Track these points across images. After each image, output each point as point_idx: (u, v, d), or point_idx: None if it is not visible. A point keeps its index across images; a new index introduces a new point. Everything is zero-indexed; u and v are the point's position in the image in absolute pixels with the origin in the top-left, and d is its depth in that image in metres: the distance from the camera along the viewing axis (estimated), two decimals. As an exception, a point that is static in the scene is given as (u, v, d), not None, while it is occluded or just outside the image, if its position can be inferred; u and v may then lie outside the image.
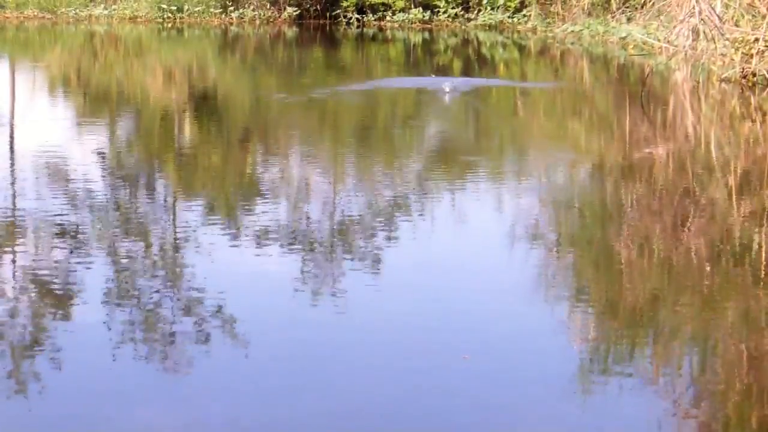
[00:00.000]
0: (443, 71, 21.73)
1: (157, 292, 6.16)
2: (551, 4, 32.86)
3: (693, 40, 19.57)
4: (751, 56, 17.25)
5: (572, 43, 28.66)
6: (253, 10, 34.80)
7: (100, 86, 19.19)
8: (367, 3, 35.09)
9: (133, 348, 5.24)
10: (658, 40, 22.59)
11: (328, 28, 34.01)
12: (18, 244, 7.25)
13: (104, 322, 5.58)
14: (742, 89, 16.83)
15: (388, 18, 35.07)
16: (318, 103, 15.76)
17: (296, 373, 4.97)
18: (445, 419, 4.49)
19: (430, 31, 33.52)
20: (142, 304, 5.91)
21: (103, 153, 11.30)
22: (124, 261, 6.80)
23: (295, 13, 34.86)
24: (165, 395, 4.72)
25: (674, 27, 20.89)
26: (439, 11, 34.77)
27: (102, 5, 35.08)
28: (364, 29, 33.84)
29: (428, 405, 4.64)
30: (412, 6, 34.98)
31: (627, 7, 28.89)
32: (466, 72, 22.01)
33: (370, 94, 17.10)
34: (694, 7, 19.06)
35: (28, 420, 4.47)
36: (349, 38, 31.31)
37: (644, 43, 23.92)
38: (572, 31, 30.24)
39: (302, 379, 4.90)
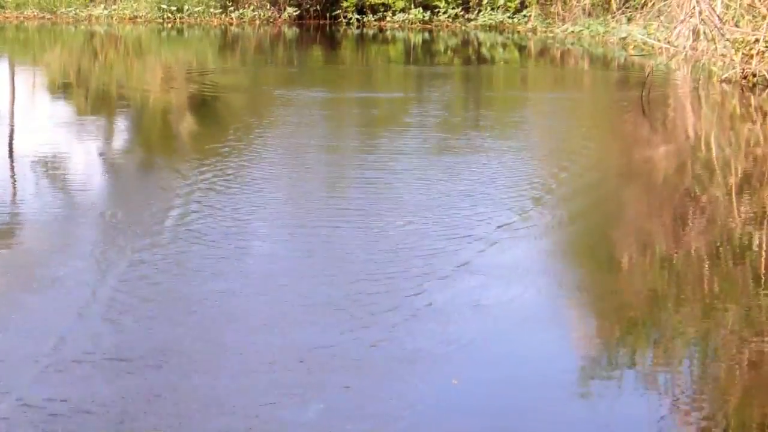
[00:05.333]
0: (443, 65, 21.67)
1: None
2: (551, 5, 32.88)
3: (693, 41, 19.57)
4: (752, 57, 17.25)
5: (572, 44, 28.66)
6: (253, 10, 34.81)
7: (100, 86, 19.17)
8: (367, 3, 35.11)
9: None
10: (659, 41, 22.59)
11: (328, 28, 34.02)
12: (15, 244, 7.24)
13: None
14: (742, 90, 16.82)
15: (388, 18, 35.09)
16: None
17: (295, 373, 4.95)
18: (447, 422, 4.48)
19: (430, 31, 33.52)
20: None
21: (103, 153, 11.28)
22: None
23: (295, 14, 34.88)
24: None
25: (674, 27, 20.90)
26: (439, 11, 34.79)
27: (102, 5, 35.08)
28: (364, 29, 33.84)
29: (429, 407, 4.63)
30: (412, 6, 35.00)
31: (627, 8, 28.90)
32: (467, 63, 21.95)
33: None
34: (694, 8, 19.06)
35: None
36: (349, 38, 31.30)
37: (644, 44, 23.92)
38: (572, 32, 30.25)
39: (302, 380, 4.88)
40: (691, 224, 8.24)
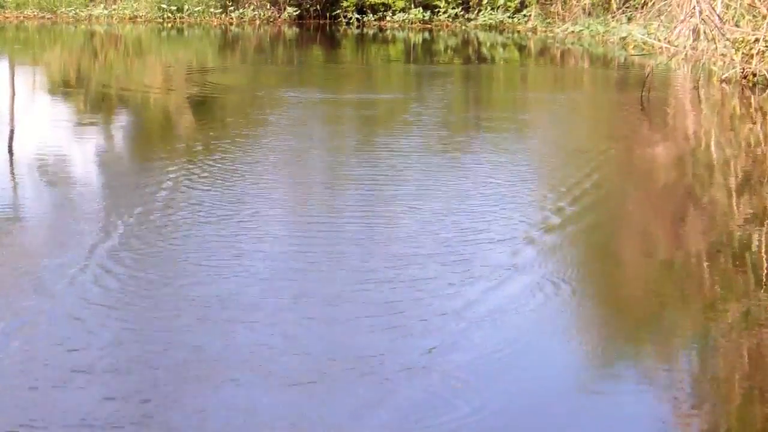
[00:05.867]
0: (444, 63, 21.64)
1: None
2: (551, 5, 32.87)
3: (693, 40, 19.58)
4: (752, 56, 17.25)
5: (572, 43, 28.66)
6: (253, 10, 34.80)
7: (100, 86, 19.17)
8: (367, 3, 35.11)
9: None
10: (659, 40, 22.59)
11: (328, 28, 34.02)
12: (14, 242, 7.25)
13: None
14: (742, 89, 16.82)
15: (388, 18, 35.09)
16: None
17: (352, 378, 4.90)
18: (515, 426, 4.49)
19: (430, 31, 33.51)
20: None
21: (104, 153, 11.28)
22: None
23: (295, 13, 34.87)
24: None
25: (674, 27, 20.91)
26: (439, 11, 34.78)
27: (102, 5, 35.08)
28: (364, 29, 33.84)
29: (495, 412, 4.60)
30: (412, 6, 34.99)
31: (627, 7, 28.90)
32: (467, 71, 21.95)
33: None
34: (694, 7, 19.07)
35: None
36: (349, 38, 31.30)
37: (644, 43, 23.92)
38: (572, 31, 30.24)
39: (361, 386, 4.84)
40: (737, 226, 8.15)
